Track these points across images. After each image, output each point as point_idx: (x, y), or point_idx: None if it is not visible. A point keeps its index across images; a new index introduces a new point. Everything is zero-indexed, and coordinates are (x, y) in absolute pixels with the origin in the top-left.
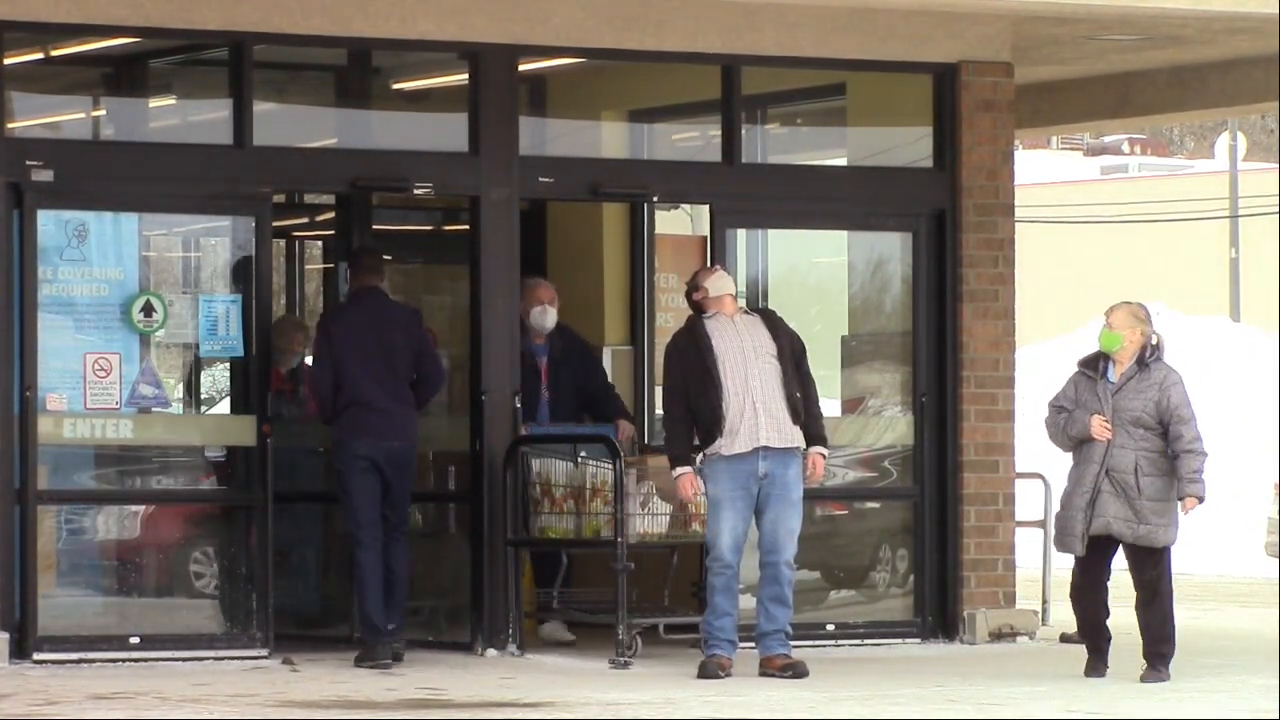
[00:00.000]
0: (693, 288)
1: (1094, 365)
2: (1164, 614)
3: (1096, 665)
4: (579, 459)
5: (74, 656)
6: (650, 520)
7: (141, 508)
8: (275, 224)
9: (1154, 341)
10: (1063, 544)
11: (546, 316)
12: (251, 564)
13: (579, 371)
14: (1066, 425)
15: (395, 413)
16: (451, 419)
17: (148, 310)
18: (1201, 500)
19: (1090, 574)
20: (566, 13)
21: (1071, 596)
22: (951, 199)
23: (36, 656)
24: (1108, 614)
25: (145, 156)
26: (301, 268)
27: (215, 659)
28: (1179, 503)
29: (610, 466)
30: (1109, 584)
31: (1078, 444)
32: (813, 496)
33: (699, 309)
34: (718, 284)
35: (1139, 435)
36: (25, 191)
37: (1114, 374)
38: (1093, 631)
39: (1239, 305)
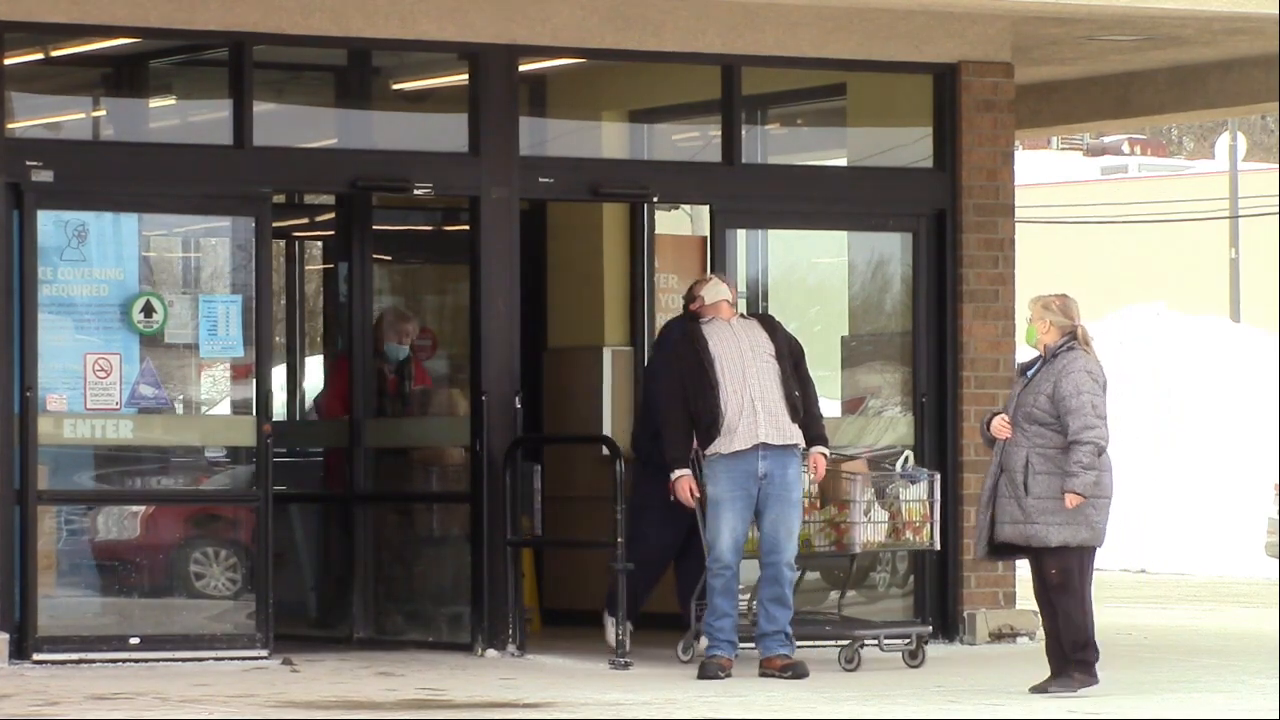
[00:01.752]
0: (689, 299)
1: (1026, 362)
2: (1070, 619)
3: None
4: None
5: (74, 657)
6: (871, 529)
7: (141, 508)
8: (275, 224)
9: (1076, 333)
10: (975, 548)
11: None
12: (252, 564)
13: None
14: (982, 427)
15: None
16: (451, 419)
17: (148, 310)
18: (1083, 496)
19: (1036, 581)
20: (566, 13)
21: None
22: (951, 199)
23: (36, 657)
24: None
25: (145, 156)
26: (301, 268)
27: (215, 659)
28: (1093, 501)
29: (811, 472)
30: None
31: (992, 444)
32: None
33: (697, 317)
34: (713, 291)
35: (1033, 431)
36: (25, 191)
37: (1033, 370)
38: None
39: (1239, 305)
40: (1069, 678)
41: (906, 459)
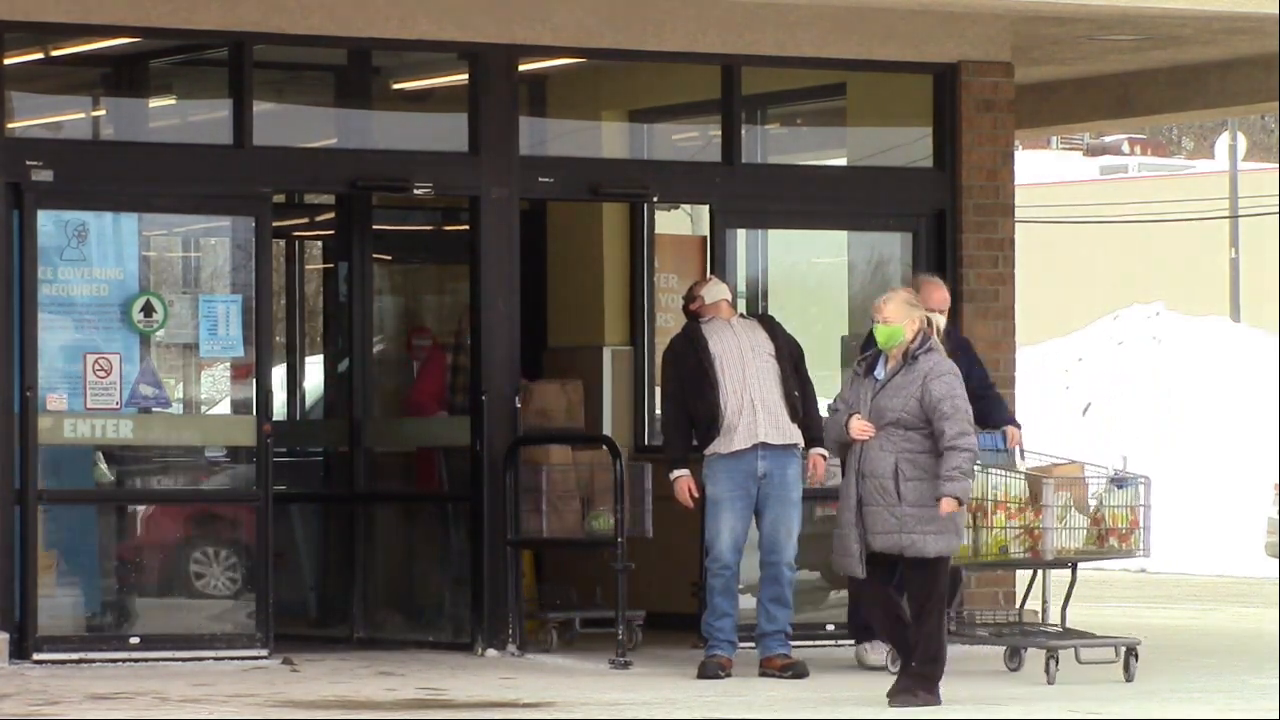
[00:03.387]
0: (689, 299)
1: (864, 362)
2: (931, 632)
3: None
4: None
5: (74, 656)
6: (1067, 535)
7: (141, 508)
8: (275, 224)
9: (930, 327)
10: (840, 564)
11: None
12: (251, 564)
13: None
14: (830, 427)
15: None
16: (452, 419)
17: (148, 310)
18: (961, 502)
19: (872, 592)
20: (566, 13)
21: (867, 617)
22: (951, 199)
23: (36, 656)
24: (906, 626)
25: (145, 156)
26: (301, 268)
27: (215, 659)
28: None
29: (1019, 475)
30: (900, 599)
31: (844, 448)
32: (813, 497)
33: (696, 316)
34: (712, 291)
35: (899, 436)
36: (25, 191)
37: (882, 371)
38: (905, 644)
39: (1239, 305)
40: (911, 694)
41: (1125, 461)
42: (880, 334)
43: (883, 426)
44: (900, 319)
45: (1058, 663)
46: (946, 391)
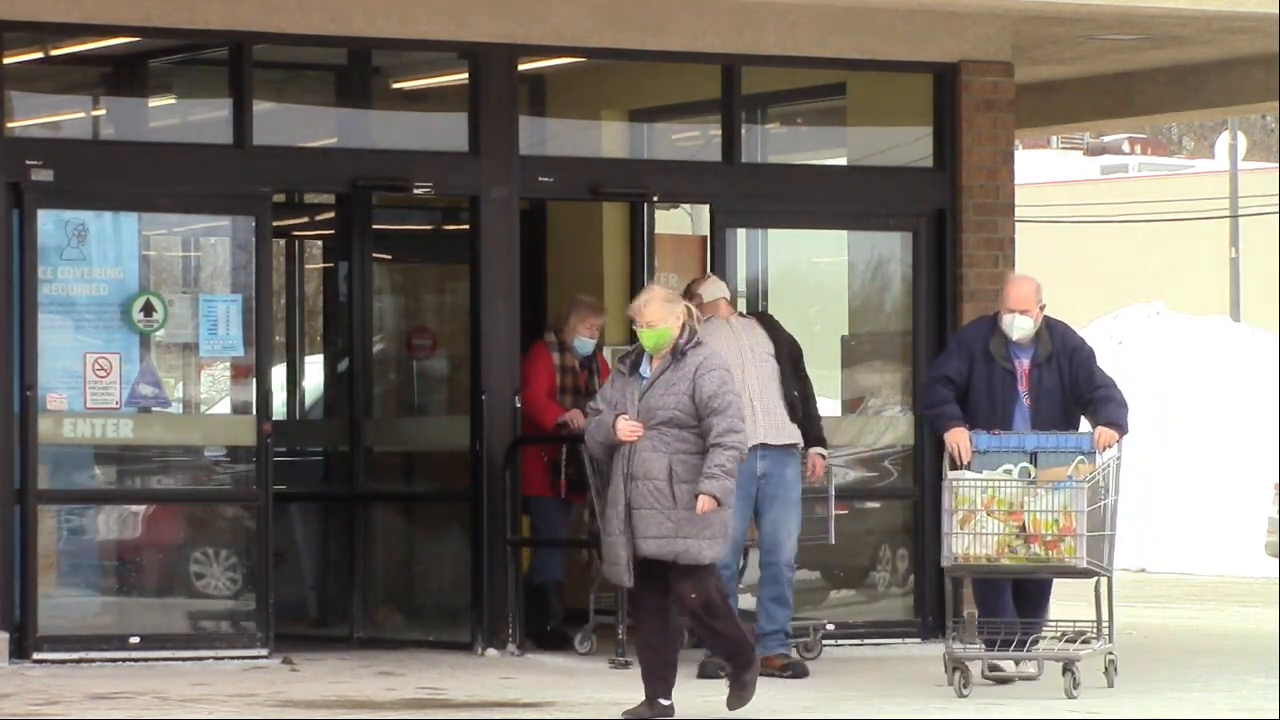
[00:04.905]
0: (688, 297)
1: (629, 359)
2: (724, 629)
3: (650, 709)
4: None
5: (74, 656)
6: (972, 540)
7: (141, 508)
8: (275, 224)
9: (694, 321)
10: (610, 573)
11: (1014, 325)
12: (251, 564)
13: (1066, 375)
14: (594, 429)
15: None
16: (451, 419)
17: (148, 310)
18: (718, 500)
19: (646, 601)
20: (566, 13)
21: (641, 629)
22: (951, 199)
23: (36, 656)
24: (676, 648)
25: (145, 156)
26: (301, 268)
27: (215, 659)
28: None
29: (1015, 481)
30: (672, 606)
31: (609, 450)
32: (813, 496)
33: None
34: (711, 289)
35: (673, 436)
36: (25, 191)
37: (648, 368)
38: (660, 669)
39: (1239, 305)
40: (743, 685)
41: (1078, 465)
42: (648, 339)
43: (654, 426)
44: (664, 319)
45: (964, 674)
46: (718, 387)
